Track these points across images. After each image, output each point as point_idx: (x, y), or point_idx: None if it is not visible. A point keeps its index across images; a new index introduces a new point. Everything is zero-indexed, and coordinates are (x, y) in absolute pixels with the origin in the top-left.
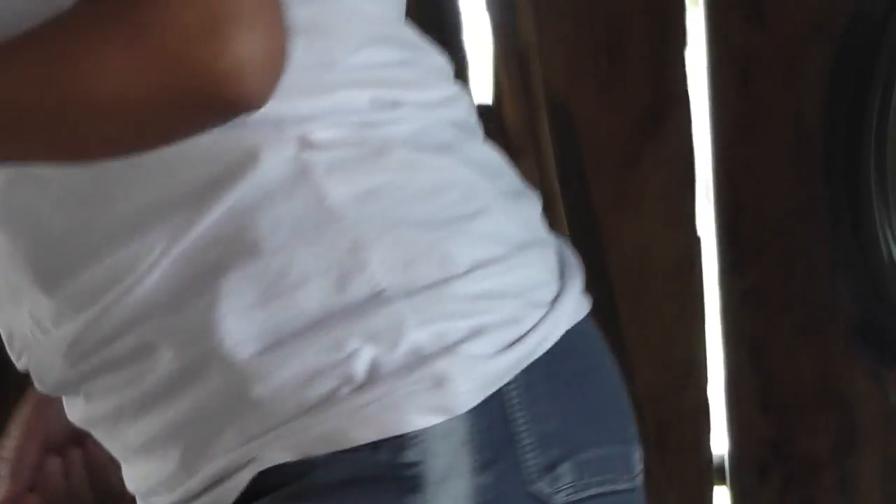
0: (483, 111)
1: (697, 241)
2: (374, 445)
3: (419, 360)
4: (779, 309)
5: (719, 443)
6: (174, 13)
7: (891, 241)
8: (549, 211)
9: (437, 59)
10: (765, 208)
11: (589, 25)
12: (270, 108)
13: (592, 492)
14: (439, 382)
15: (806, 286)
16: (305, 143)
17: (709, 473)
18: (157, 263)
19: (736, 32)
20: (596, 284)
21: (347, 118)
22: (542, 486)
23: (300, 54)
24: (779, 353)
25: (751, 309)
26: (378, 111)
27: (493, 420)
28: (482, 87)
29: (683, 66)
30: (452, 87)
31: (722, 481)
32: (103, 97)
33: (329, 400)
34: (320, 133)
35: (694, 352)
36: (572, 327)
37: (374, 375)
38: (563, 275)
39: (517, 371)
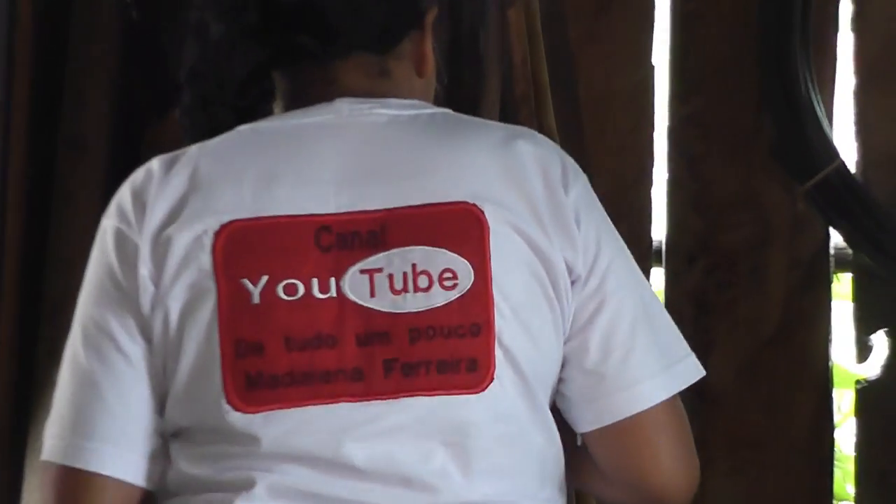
0: None
1: (652, 71)
2: None
3: None
4: (714, 130)
5: (658, 233)
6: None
7: (808, 81)
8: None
9: None
10: (708, 50)
11: None
12: None
13: None
14: None
15: (737, 113)
16: None
17: (648, 256)
18: None
19: None
20: (567, 103)
21: None
22: None
23: None
24: (712, 166)
25: (691, 129)
26: None
27: None
28: None
29: None
30: None
31: (658, 264)
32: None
33: None
34: None
35: (643, 160)
36: None
37: None
38: None
39: None
